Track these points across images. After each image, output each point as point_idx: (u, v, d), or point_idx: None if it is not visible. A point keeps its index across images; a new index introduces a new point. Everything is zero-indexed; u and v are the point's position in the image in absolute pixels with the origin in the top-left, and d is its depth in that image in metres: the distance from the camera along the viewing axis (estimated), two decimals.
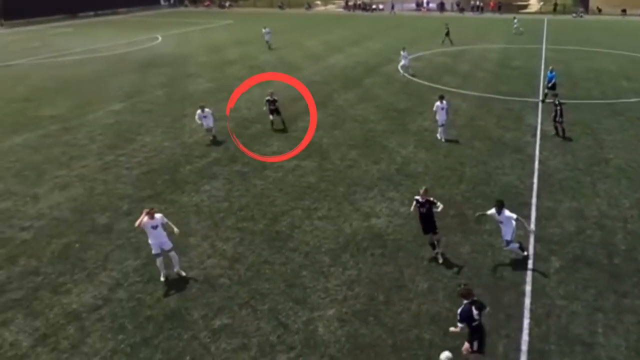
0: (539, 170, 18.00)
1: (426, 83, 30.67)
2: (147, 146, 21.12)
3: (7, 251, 13.71)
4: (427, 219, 12.74)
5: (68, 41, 49.27)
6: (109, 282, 12.30)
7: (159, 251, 12.22)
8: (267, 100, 23.07)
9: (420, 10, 76.14)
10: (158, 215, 12.25)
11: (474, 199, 16.00)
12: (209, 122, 21.29)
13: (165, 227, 12.31)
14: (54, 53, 42.90)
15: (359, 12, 76.23)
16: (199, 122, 21.41)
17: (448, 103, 21.30)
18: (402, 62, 33.38)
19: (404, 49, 33.34)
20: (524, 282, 11.92)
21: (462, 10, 71.92)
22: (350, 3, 79.86)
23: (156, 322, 10.93)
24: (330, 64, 37.68)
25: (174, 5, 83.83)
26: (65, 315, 11.19)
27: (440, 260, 12.86)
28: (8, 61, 39.34)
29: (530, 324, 10.60)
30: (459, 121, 23.35)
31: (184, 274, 12.52)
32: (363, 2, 79.03)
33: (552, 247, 13.27)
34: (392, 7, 74.63)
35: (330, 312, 11.16)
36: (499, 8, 71.10)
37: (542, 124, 22.65)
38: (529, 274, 12.22)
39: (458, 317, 9.00)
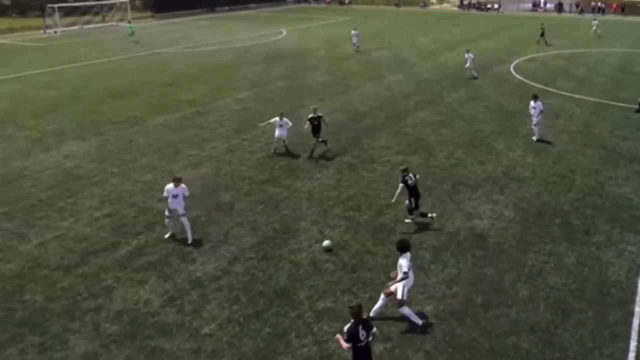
0: None
1: (538, 85, 28.72)
2: (268, 133, 21.57)
3: (147, 219, 14.69)
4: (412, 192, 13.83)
5: (205, 33, 51.79)
6: (228, 256, 12.79)
7: (171, 212, 13.14)
8: (310, 118, 18.84)
9: (536, 10, 71.36)
10: (183, 186, 13.11)
11: (582, 209, 14.76)
12: (283, 133, 19.00)
13: (185, 199, 13.15)
14: (193, 43, 45.30)
15: (473, 11, 72.98)
16: (271, 130, 19.17)
17: (543, 104, 20.20)
18: (468, 64, 31.50)
19: (468, 51, 31.62)
20: (633, 301, 10.80)
21: (581, 11, 66.42)
22: (465, 2, 76.61)
23: (267, 297, 11.21)
24: (442, 61, 36.48)
25: (298, 2, 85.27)
26: (190, 282, 11.79)
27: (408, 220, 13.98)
28: (156, 49, 42.12)
29: (637, 346, 9.59)
30: (571, 127, 21.66)
31: (190, 241, 13.23)
32: (478, 1, 75.49)
33: None
34: (499, 7, 70.65)
35: (428, 308, 10.82)
36: (622, 10, 64.75)
37: None
38: None
39: (345, 337, 8.01)
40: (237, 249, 13.07)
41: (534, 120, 20.07)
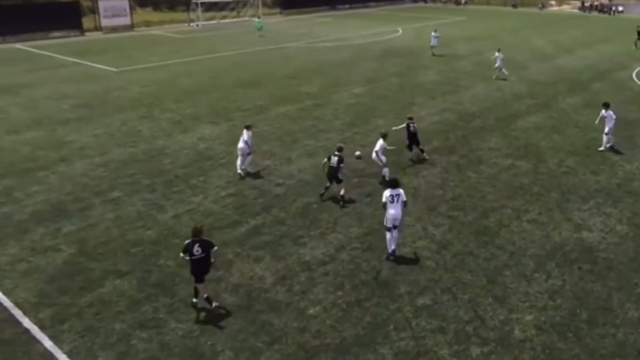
0: None
1: None
2: (379, 128, 21.26)
3: (265, 201, 15.18)
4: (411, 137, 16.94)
5: (326, 30, 52.18)
6: (335, 243, 12.84)
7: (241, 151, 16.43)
8: (330, 159, 14.59)
9: None
10: (250, 133, 16.30)
11: None
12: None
13: (245, 142, 16.07)
14: (314, 39, 45.86)
15: (594, 14, 66.34)
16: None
17: (614, 112, 18.24)
18: (498, 64, 28.72)
19: (499, 50, 28.90)
20: None
21: None
22: (587, 4, 69.76)
23: (369, 287, 11.11)
24: (558, 65, 33.61)
25: (416, 1, 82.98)
26: (300, 264, 12.00)
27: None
28: (281, 44, 43.23)
29: None
30: None
31: (240, 172, 16.49)
32: (601, 3, 68.37)
33: None
34: (615, 9, 63.31)
35: (529, 317, 10.10)
36: None
37: None
38: None
39: (182, 250, 9.81)
40: (344, 238, 13.08)
41: (606, 129, 18.25)
